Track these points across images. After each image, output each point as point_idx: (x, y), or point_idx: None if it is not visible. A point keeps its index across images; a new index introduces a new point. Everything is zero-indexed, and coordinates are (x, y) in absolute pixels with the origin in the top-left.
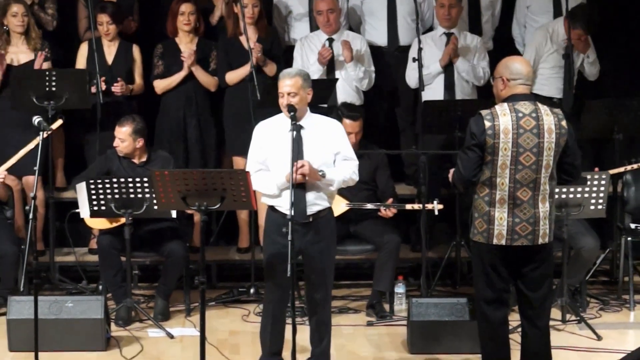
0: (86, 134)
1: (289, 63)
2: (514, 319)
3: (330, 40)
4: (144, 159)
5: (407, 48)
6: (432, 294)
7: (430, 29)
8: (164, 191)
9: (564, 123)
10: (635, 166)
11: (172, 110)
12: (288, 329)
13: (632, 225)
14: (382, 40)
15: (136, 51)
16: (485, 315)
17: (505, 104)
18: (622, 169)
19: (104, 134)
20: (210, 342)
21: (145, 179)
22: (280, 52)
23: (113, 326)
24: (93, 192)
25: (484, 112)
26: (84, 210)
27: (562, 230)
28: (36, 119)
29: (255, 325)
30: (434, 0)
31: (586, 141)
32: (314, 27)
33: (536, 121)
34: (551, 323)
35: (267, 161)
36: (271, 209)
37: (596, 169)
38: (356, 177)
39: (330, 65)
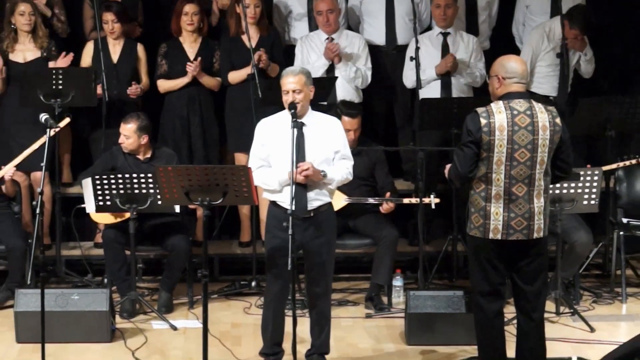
0: (92, 131)
1: (289, 62)
2: (509, 312)
3: (330, 40)
4: (148, 156)
5: (405, 47)
6: (429, 287)
7: (428, 28)
8: (168, 187)
9: (558, 120)
10: (627, 163)
11: (176, 109)
12: (288, 321)
13: (624, 220)
14: (380, 39)
15: (141, 50)
16: (481, 308)
17: (501, 102)
18: (614, 166)
19: (109, 131)
20: (213, 334)
21: (150, 175)
22: (282, 52)
23: (118, 318)
24: (98, 187)
25: (480, 109)
26: (89, 206)
27: (556, 225)
28: (43, 117)
29: (256, 317)
30: (431, 1)
31: (579, 138)
32: (313, 26)
33: (531, 119)
34: (545, 315)
35: (269, 158)
36: (273, 204)
37: (588, 165)
38: (351, 177)
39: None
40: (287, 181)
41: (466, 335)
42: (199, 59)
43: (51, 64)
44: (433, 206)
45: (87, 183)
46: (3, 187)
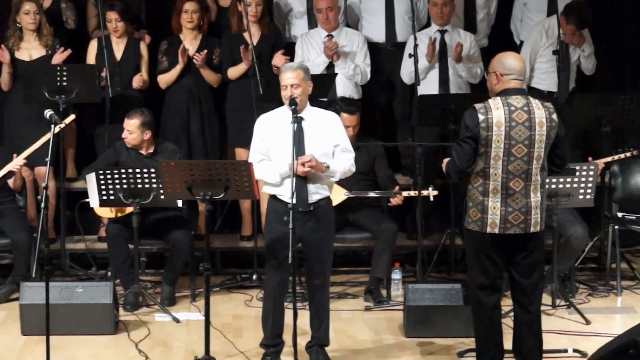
0: (96, 127)
1: (289, 58)
2: (507, 304)
3: (330, 37)
4: (151, 151)
5: (404, 44)
6: (428, 280)
7: (427, 25)
8: (170, 181)
9: (554, 116)
10: (622, 155)
11: (176, 104)
12: (288, 313)
13: (619, 214)
14: (379, 36)
15: (143, 48)
16: (479, 301)
17: (499, 98)
18: (609, 159)
19: (112, 127)
20: (215, 326)
21: (153, 170)
22: (282, 49)
23: (121, 311)
24: (102, 182)
25: (477, 105)
26: (93, 200)
27: (552, 219)
28: (48, 113)
29: (257, 309)
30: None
31: (576, 133)
32: (313, 24)
33: (528, 114)
34: (542, 308)
35: (269, 152)
36: (273, 197)
37: (589, 159)
38: (353, 168)
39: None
40: (287, 173)
41: (464, 327)
42: (205, 50)
43: (54, 61)
44: (432, 198)
45: (91, 178)
46: (10, 181)
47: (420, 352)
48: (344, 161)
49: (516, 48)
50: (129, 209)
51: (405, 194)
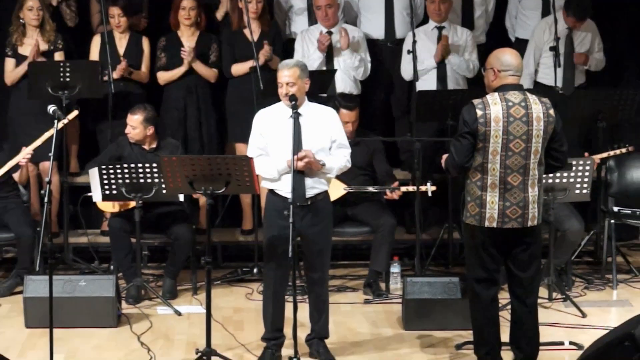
0: (99, 122)
1: (289, 55)
2: (504, 297)
3: (329, 34)
4: (153, 146)
5: (402, 41)
6: (426, 274)
7: (424, 21)
8: (172, 176)
9: (551, 112)
10: (617, 151)
11: (173, 99)
12: (289, 307)
13: (615, 209)
14: (377, 33)
15: (145, 43)
16: (477, 294)
17: (496, 94)
18: (605, 155)
19: (115, 122)
20: (216, 319)
21: (155, 165)
22: (281, 45)
23: (124, 304)
24: (105, 177)
25: (475, 101)
26: (96, 194)
27: (549, 214)
28: (51, 108)
29: (258, 303)
30: None
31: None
32: (313, 20)
33: (525, 110)
34: (538, 301)
35: (267, 147)
36: (271, 192)
37: (586, 154)
38: (349, 164)
39: (329, 55)
40: (285, 169)
41: (462, 320)
42: (192, 45)
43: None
44: (430, 194)
45: (93, 172)
46: (15, 174)
47: (419, 344)
48: (339, 158)
49: (512, 45)
50: (132, 204)
51: (403, 189)
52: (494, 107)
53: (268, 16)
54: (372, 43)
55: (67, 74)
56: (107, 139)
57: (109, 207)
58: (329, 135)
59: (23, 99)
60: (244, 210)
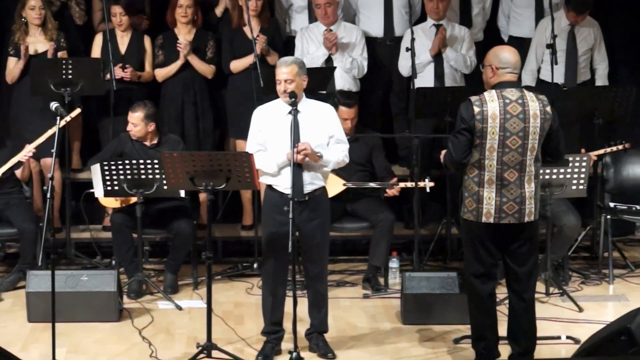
0: (101, 119)
1: (289, 52)
2: (501, 292)
3: (329, 31)
4: (155, 142)
5: (400, 38)
6: (424, 269)
7: (422, 18)
8: (173, 172)
9: (548, 109)
10: (614, 148)
11: (171, 97)
12: (288, 301)
13: (612, 204)
14: (376, 31)
15: (147, 41)
16: (474, 289)
17: (494, 91)
18: (602, 151)
19: (117, 119)
20: (216, 314)
21: (156, 161)
22: (281, 43)
23: (125, 299)
24: (107, 173)
25: (473, 98)
26: (98, 190)
27: (546, 209)
28: (54, 105)
29: (258, 297)
30: None
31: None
32: (313, 18)
33: (522, 107)
34: (536, 295)
35: (266, 143)
36: (269, 188)
37: (582, 150)
38: (347, 159)
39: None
40: (285, 163)
41: (459, 314)
42: (188, 40)
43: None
44: (428, 190)
45: (95, 169)
46: (18, 171)
47: (417, 338)
48: (337, 152)
49: (507, 44)
50: (133, 199)
51: (402, 185)
52: (491, 104)
53: (268, 13)
54: (371, 41)
55: (70, 72)
56: (109, 135)
57: (111, 203)
58: (326, 131)
59: (26, 96)
60: (244, 206)
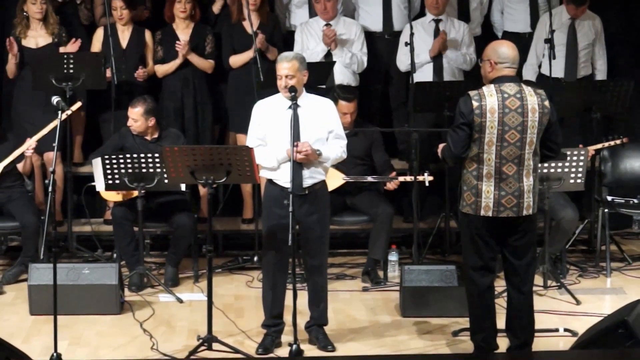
0: (102, 113)
1: (289, 47)
2: (500, 285)
3: (329, 26)
4: (155, 136)
5: (399, 33)
6: (423, 262)
7: (421, 13)
8: (174, 166)
9: (546, 103)
10: (612, 143)
11: (170, 91)
12: (288, 295)
13: (609, 198)
14: (375, 25)
15: (148, 36)
16: (473, 281)
17: (492, 85)
18: (599, 146)
19: (118, 113)
20: (217, 306)
21: (157, 155)
22: (281, 37)
23: (126, 291)
24: (108, 167)
25: (472, 92)
26: (99, 184)
27: (544, 203)
28: (55, 99)
29: (258, 290)
30: None
31: (569, 119)
32: (312, 13)
33: (521, 101)
34: (534, 288)
35: (265, 137)
36: (269, 182)
37: (580, 145)
38: (345, 155)
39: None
40: (285, 158)
41: (458, 307)
42: (187, 38)
43: (62, 49)
44: (427, 184)
45: (97, 162)
46: (19, 165)
47: (416, 331)
48: (336, 148)
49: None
50: (134, 193)
51: (401, 179)
52: (489, 98)
53: (267, 8)
54: (370, 35)
55: (71, 66)
56: (110, 129)
57: (112, 197)
58: (326, 126)
59: (28, 90)
60: (244, 200)
